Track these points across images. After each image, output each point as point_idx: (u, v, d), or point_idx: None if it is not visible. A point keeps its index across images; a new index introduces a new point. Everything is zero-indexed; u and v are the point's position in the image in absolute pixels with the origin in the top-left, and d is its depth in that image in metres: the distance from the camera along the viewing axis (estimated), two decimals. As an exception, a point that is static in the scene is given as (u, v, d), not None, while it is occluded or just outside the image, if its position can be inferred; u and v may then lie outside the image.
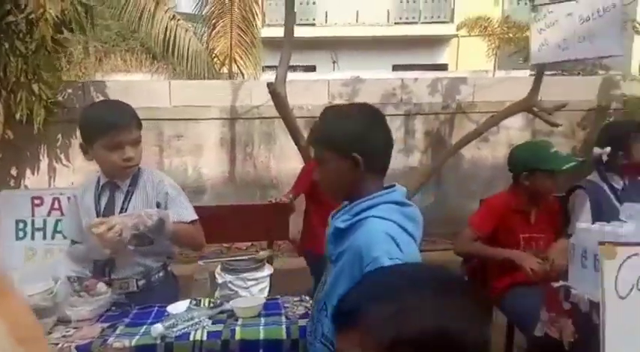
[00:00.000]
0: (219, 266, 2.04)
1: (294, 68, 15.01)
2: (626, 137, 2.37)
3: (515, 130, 5.28)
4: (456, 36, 14.46)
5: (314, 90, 4.87)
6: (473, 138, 4.20)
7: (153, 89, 4.68)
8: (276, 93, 3.46)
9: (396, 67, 13.96)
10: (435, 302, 0.62)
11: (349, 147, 1.22)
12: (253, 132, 4.82)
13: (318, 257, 1.58)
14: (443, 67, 14.59)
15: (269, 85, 3.58)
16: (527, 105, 3.94)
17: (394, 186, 1.30)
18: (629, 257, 1.58)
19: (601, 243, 1.58)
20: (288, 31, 3.76)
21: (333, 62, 15.11)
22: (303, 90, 4.86)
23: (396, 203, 1.20)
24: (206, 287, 1.96)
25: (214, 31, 10.02)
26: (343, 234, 1.17)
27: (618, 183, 2.43)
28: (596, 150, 2.46)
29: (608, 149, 2.39)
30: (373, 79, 5.19)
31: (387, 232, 1.10)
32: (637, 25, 5.06)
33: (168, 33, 6.98)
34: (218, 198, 4.69)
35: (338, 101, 4.88)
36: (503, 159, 5.39)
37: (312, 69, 15.54)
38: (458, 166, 5.26)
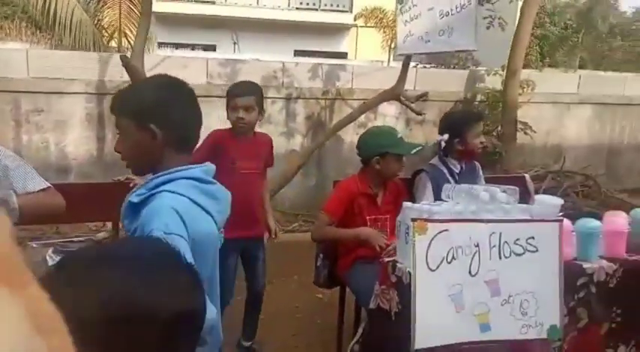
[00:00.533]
0: (50, 249, 1.93)
1: (192, 46, 14.56)
2: (461, 125, 2.58)
3: (390, 117, 5.54)
4: (355, 26, 14.82)
5: (192, 68, 4.73)
6: (347, 123, 4.34)
7: (8, 58, 4.25)
8: (129, 66, 3.29)
9: (297, 53, 14.03)
10: (126, 277, 0.63)
11: (147, 117, 1.19)
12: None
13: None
14: (343, 56, 14.91)
15: (122, 57, 3.41)
16: (395, 94, 4.14)
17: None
18: (439, 232, 1.72)
19: (413, 220, 1.70)
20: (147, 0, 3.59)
21: (234, 43, 14.87)
22: (180, 68, 4.70)
23: (196, 179, 1.19)
24: (40, 271, 1.83)
25: (101, 0, 9.36)
26: (137, 208, 1.14)
27: (456, 167, 2.64)
28: (438, 137, 2.67)
29: (446, 136, 2.59)
30: (253, 61, 5.15)
31: (173, 206, 1.08)
32: (502, 22, 5.48)
33: (48, -1, 6.37)
34: (85, 178, 4.41)
35: (217, 81, 4.79)
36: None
37: (212, 48, 15.18)
38: (338, 150, 5.41)
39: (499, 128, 5.17)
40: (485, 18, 5.37)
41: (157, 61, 4.66)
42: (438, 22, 3.62)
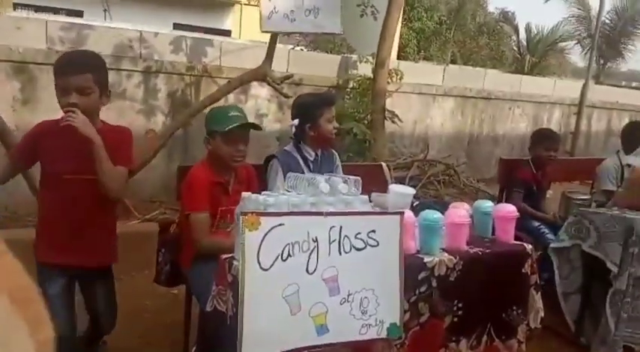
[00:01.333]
0: None
1: (55, 10, 13.01)
2: (312, 110, 2.43)
3: (262, 99, 5.30)
4: (239, 3, 14.32)
5: (28, 31, 4.07)
6: (210, 103, 4.00)
7: None
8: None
9: (177, 26, 13.18)
10: None
11: None
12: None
13: None
14: (226, 33, 14.30)
15: None
16: (260, 74, 3.90)
17: None
18: (273, 227, 1.52)
19: (243, 213, 1.49)
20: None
21: (104, 10, 13.70)
22: (14, 30, 4.03)
23: None
24: None
25: None
26: None
27: (310, 154, 2.48)
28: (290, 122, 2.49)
29: (296, 121, 2.42)
30: (104, 27, 4.59)
31: None
32: (375, 11, 5.48)
33: None
34: None
35: (59, 47, 4.17)
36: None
37: (78, 14, 13.75)
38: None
39: (368, 116, 5.18)
40: (358, 5, 5.34)
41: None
42: (305, 1, 3.45)
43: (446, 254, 1.92)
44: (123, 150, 2.01)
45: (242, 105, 5.19)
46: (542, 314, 2.13)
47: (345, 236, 1.66)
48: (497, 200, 3.66)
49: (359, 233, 1.68)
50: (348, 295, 1.66)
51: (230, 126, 2.10)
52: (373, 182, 2.70)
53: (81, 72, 1.86)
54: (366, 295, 1.69)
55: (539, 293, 2.15)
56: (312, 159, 2.46)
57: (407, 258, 1.84)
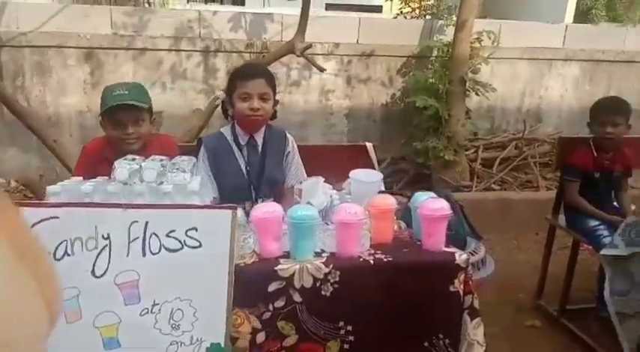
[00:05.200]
0: None
1: (221, 0, 14.11)
2: (228, 83, 2.10)
3: (328, 75, 4.98)
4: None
5: (95, 18, 4.36)
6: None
7: None
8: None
9: (329, 7, 13.35)
10: None
11: None
12: (23, 63, 4.31)
13: None
14: (378, 9, 14.03)
15: None
16: (290, 47, 3.61)
17: None
18: (42, 220, 1.32)
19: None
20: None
21: None
22: (82, 18, 4.35)
23: None
24: None
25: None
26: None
27: (242, 138, 2.16)
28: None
29: (222, 94, 2.12)
30: (166, 10, 4.71)
31: None
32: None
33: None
34: (-19, 137, 4.24)
35: (123, 32, 4.41)
36: (315, 104, 5.16)
37: (240, 2, 14.64)
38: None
39: (442, 87, 4.50)
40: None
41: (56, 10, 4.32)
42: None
43: (318, 261, 1.49)
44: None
45: (305, 80, 4.95)
46: (481, 350, 1.55)
47: (153, 233, 1.37)
48: (557, 192, 2.87)
49: (172, 231, 1.38)
50: (153, 305, 1.37)
51: (106, 108, 1.91)
52: (357, 165, 2.29)
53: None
54: (179, 306, 1.38)
55: (478, 320, 1.57)
56: (243, 143, 2.14)
57: (255, 264, 1.47)
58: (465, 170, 4.70)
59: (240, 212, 1.46)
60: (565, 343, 2.73)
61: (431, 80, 4.70)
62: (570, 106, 5.79)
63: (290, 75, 4.86)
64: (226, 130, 2.18)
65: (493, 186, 4.57)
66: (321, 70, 3.79)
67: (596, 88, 5.79)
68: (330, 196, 1.76)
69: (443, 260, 1.53)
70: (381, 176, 2.16)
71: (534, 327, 2.91)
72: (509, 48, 5.38)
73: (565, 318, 2.83)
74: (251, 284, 1.44)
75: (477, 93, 4.75)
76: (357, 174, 2.15)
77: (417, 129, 4.87)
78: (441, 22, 5.13)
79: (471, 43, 4.71)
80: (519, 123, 5.45)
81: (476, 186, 4.60)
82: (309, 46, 3.60)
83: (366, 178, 2.15)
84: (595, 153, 2.59)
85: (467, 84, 4.56)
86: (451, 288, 1.54)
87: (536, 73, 5.60)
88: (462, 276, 1.53)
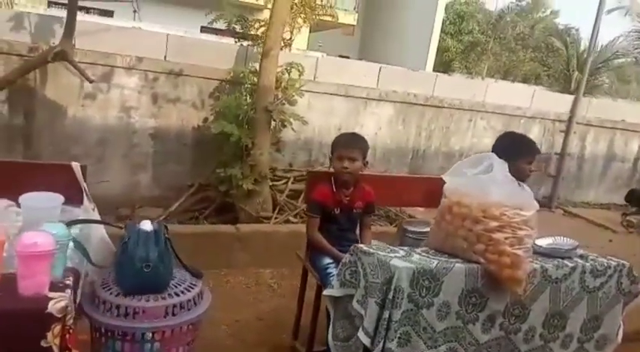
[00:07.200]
0: None
1: (87, 10, 13.04)
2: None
3: (131, 90, 4.62)
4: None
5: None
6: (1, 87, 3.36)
7: None
8: None
9: (204, 29, 13.01)
10: None
11: None
12: None
13: None
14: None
15: None
16: (60, 53, 3.21)
17: None
18: None
19: None
20: None
21: (134, 11, 13.88)
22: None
23: None
24: None
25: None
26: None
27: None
28: None
29: None
30: None
31: None
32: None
33: None
34: None
35: None
36: (115, 121, 4.75)
37: (109, 14, 13.98)
38: (57, 125, 4.44)
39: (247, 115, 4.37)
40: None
41: None
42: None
43: None
44: None
45: (102, 94, 4.53)
46: None
47: None
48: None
49: None
50: None
51: None
52: (57, 187, 1.96)
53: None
54: None
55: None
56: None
57: None
58: (267, 201, 4.58)
59: None
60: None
61: (245, 106, 4.56)
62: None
63: (83, 85, 4.39)
64: None
65: (291, 218, 4.49)
66: (90, 80, 3.42)
67: (408, 127, 6.12)
68: None
69: (30, 308, 1.25)
70: (58, 201, 1.86)
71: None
72: (326, 83, 5.48)
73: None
74: None
75: (283, 125, 4.69)
76: (28, 199, 1.83)
77: (225, 156, 4.67)
78: (256, 49, 5.05)
79: (281, 73, 4.68)
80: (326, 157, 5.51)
81: (276, 218, 4.48)
82: (63, 53, 3.23)
83: (36, 204, 1.84)
84: (334, 189, 2.54)
85: (272, 114, 4.47)
86: (43, 344, 1.26)
87: (353, 109, 5.76)
88: (56, 328, 1.26)
